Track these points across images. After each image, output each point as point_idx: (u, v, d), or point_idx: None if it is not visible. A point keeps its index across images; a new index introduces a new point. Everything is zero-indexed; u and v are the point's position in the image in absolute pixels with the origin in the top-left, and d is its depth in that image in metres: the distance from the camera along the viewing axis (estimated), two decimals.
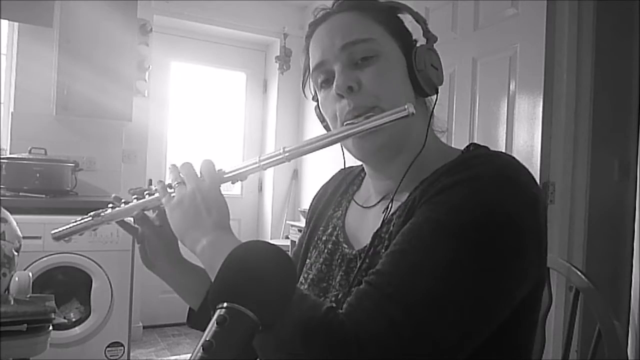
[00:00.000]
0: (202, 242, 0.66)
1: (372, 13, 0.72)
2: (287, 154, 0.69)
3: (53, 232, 0.82)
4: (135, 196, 0.79)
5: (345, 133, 0.67)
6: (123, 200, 0.80)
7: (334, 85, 0.69)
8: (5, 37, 3.00)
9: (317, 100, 0.77)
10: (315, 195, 0.93)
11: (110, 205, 0.80)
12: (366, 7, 0.72)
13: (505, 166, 0.63)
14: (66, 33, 2.84)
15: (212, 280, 0.65)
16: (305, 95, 0.82)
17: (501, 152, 0.68)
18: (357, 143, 0.70)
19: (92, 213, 0.80)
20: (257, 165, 0.71)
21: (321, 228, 0.85)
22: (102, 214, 0.79)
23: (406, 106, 0.62)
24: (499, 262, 0.57)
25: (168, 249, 0.84)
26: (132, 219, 0.82)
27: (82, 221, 0.81)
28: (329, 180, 0.94)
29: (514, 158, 0.66)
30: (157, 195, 0.75)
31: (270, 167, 0.71)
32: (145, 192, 0.78)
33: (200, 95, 3.96)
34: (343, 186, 0.89)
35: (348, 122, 0.68)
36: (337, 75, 0.69)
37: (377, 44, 0.70)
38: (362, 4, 0.73)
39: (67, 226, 0.82)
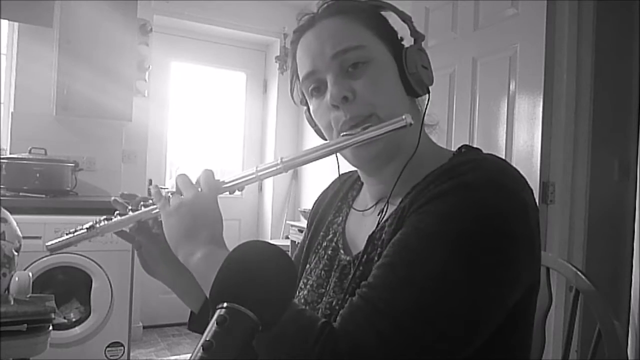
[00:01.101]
0: (196, 255, 0.66)
1: (360, 17, 0.71)
2: (284, 165, 0.69)
3: (48, 244, 0.82)
4: (130, 208, 0.78)
5: (343, 144, 0.66)
6: (117, 213, 0.79)
7: (327, 96, 0.68)
8: (5, 37, 3.00)
9: (307, 105, 0.77)
10: (315, 201, 0.93)
11: (104, 217, 0.79)
12: (353, 11, 0.71)
13: (493, 171, 0.62)
14: (66, 33, 2.84)
15: (205, 292, 0.65)
16: (294, 101, 0.81)
17: (491, 155, 0.67)
18: (354, 152, 0.70)
19: (87, 225, 0.79)
20: (254, 175, 0.71)
21: (321, 234, 0.85)
22: (97, 226, 0.79)
23: (404, 117, 0.62)
24: (489, 271, 0.57)
25: (166, 255, 0.81)
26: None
27: (77, 233, 0.80)
28: (328, 186, 0.94)
29: (503, 161, 0.65)
30: (152, 206, 0.75)
31: (267, 177, 0.71)
32: (142, 204, 0.77)
33: (200, 95, 3.96)
34: (342, 192, 0.88)
35: (345, 132, 0.67)
36: (330, 85, 0.68)
37: (367, 50, 0.69)
38: (348, 7, 0.71)
39: (62, 238, 0.82)
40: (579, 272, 0.98)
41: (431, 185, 0.64)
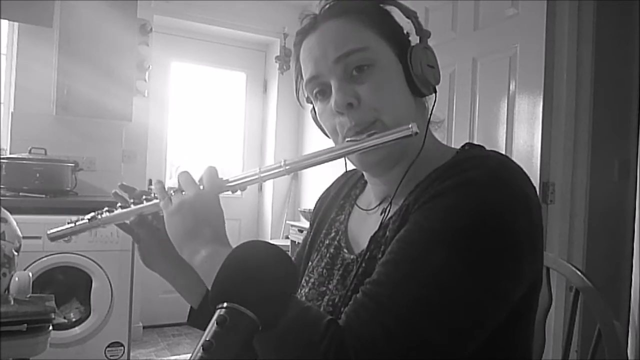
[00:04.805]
0: (200, 254, 0.66)
1: (362, 17, 0.69)
2: (287, 167, 0.69)
3: (49, 232, 0.83)
4: (132, 201, 0.78)
5: (348, 149, 0.66)
6: (119, 205, 0.79)
7: (332, 101, 0.68)
8: (5, 37, 3.00)
9: (312, 104, 0.77)
10: (319, 199, 0.93)
11: (106, 208, 0.80)
12: (355, 11, 0.70)
13: (495, 168, 0.62)
14: (66, 33, 2.84)
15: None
16: (300, 104, 0.81)
17: (494, 151, 0.67)
18: (359, 158, 0.70)
19: (88, 216, 0.80)
20: (257, 176, 0.71)
21: (324, 231, 0.85)
22: (99, 217, 0.79)
23: (410, 126, 0.62)
24: (491, 267, 0.57)
25: (166, 250, 0.81)
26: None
27: (79, 223, 0.80)
28: (332, 183, 0.94)
29: (506, 157, 0.65)
30: (155, 200, 0.74)
31: (269, 179, 0.71)
32: (144, 197, 0.77)
33: (200, 95, 3.95)
34: (345, 189, 0.88)
35: (350, 138, 0.67)
36: (334, 91, 0.68)
37: (371, 51, 0.68)
38: (350, 7, 0.70)
39: (64, 227, 0.82)
40: (578, 272, 0.98)
41: (434, 182, 0.64)
